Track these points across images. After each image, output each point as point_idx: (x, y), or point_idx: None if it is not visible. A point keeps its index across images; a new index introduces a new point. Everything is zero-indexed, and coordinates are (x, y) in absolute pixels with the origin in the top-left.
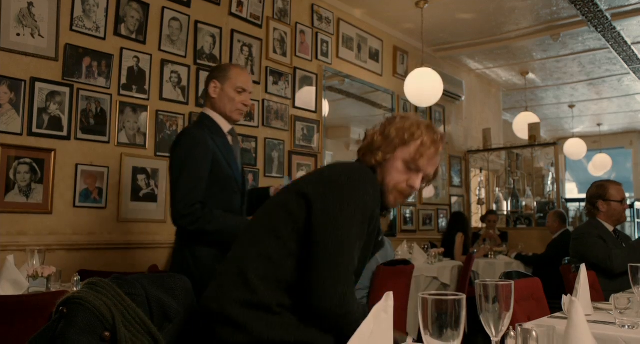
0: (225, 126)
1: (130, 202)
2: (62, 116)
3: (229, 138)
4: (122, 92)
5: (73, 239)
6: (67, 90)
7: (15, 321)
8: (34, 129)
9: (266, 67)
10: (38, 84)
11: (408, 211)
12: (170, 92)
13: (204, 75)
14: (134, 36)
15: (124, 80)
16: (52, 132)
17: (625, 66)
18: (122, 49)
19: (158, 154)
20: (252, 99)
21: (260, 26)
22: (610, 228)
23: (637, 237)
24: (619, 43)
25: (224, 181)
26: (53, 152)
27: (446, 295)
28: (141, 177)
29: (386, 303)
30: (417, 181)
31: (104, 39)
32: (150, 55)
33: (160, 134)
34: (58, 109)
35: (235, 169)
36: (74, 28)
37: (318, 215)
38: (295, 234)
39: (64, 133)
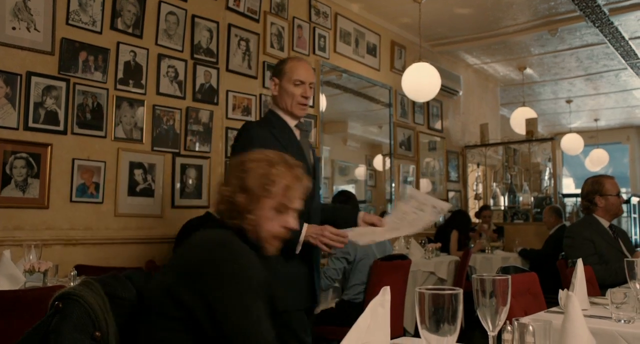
0: (291, 121)
1: (127, 197)
2: (59, 111)
3: (297, 133)
4: (118, 86)
5: (70, 234)
6: (63, 84)
7: (12, 315)
8: (30, 124)
9: (263, 62)
10: (34, 78)
11: None
12: (167, 86)
13: (201, 69)
14: (130, 30)
15: (120, 75)
16: (49, 126)
17: (623, 61)
18: (118, 43)
19: (155, 148)
20: (248, 94)
21: (257, 20)
22: (607, 224)
23: (633, 233)
24: (616, 38)
25: None
26: (49, 147)
27: (443, 290)
28: (138, 172)
29: (383, 298)
30: (291, 220)
31: (100, 33)
32: (147, 49)
33: (157, 129)
34: (54, 104)
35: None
36: (70, 22)
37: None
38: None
39: (60, 128)
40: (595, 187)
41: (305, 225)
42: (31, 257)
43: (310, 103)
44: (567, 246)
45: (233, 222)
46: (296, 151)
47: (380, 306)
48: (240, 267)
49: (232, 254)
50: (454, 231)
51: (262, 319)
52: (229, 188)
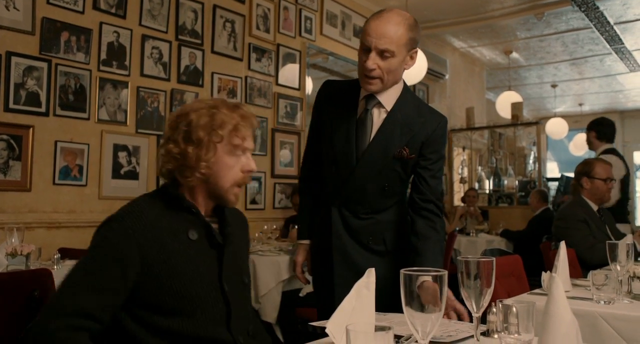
0: (363, 92)
1: (112, 179)
2: (40, 92)
3: (361, 108)
4: (102, 67)
5: (53, 217)
6: (44, 65)
7: None
8: (11, 105)
9: (249, 44)
10: (14, 59)
11: None
12: (151, 68)
13: (185, 51)
14: (113, 11)
15: (103, 56)
16: (30, 108)
17: (608, 46)
18: (101, 23)
19: (139, 131)
20: (234, 76)
21: (243, 2)
22: (595, 207)
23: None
24: (602, 23)
25: (324, 154)
26: (31, 129)
27: (428, 271)
28: (122, 155)
29: (368, 280)
30: (251, 162)
31: (82, 12)
32: (131, 30)
33: (141, 111)
34: (36, 85)
35: (345, 144)
36: (50, 1)
37: None
38: None
39: (42, 109)
40: (585, 169)
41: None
42: (13, 240)
43: (380, 75)
44: (560, 228)
45: (187, 180)
46: (344, 128)
47: (365, 288)
48: (101, 238)
49: (104, 225)
50: None
51: (82, 289)
52: (176, 144)
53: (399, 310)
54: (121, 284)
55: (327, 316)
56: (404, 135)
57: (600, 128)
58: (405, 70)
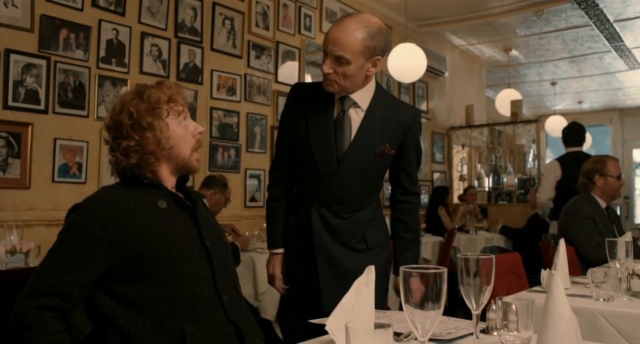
0: (340, 93)
1: (111, 177)
2: (39, 89)
3: (337, 109)
4: (101, 65)
5: (52, 215)
6: (43, 62)
7: None
8: (10, 103)
9: (248, 41)
10: (13, 56)
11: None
12: (150, 65)
13: (185, 48)
14: (112, 8)
15: (102, 53)
16: (29, 105)
17: (607, 44)
18: (100, 20)
19: None
20: (233, 73)
21: None
22: (604, 204)
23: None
24: (601, 20)
25: (300, 156)
26: (30, 126)
27: (428, 269)
28: None
29: (367, 277)
30: (197, 125)
31: (81, 10)
32: (130, 27)
33: None
34: (35, 82)
35: (325, 145)
36: None
37: None
38: None
39: (42, 107)
40: (597, 166)
41: (275, 256)
42: (12, 238)
43: (336, 79)
44: (566, 223)
45: (152, 167)
46: (322, 129)
47: (364, 285)
48: (67, 224)
49: (69, 213)
50: (440, 207)
51: (49, 271)
52: (129, 139)
53: (382, 306)
54: (89, 263)
55: (312, 317)
56: (383, 132)
57: (565, 132)
58: (372, 73)
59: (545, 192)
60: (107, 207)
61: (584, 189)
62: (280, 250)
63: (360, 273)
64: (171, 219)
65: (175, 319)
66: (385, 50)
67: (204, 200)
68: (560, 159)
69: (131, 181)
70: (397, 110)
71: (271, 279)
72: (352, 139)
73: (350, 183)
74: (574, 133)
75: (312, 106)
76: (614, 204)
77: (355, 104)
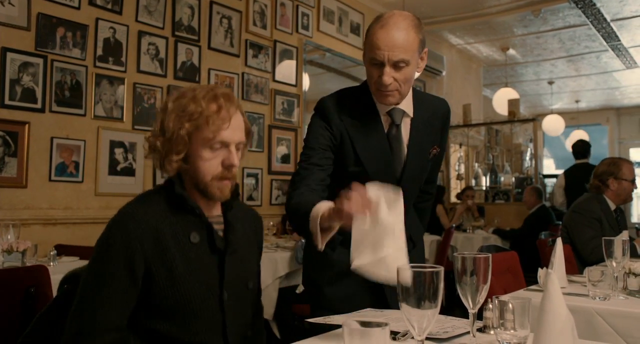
0: (382, 106)
1: (108, 176)
2: (36, 88)
3: (385, 122)
4: (98, 64)
5: (49, 214)
6: (40, 61)
7: None
8: (7, 101)
9: (246, 40)
10: (10, 55)
11: None
12: (147, 64)
13: (182, 47)
14: (109, 6)
15: (99, 52)
16: (26, 104)
17: (604, 43)
18: (97, 19)
19: (136, 127)
20: (231, 72)
21: None
22: (613, 206)
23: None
24: (598, 20)
25: (345, 177)
26: (27, 125)
27: (425, 267)
28: (119, 151)
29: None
30: (232, 156)
31: (78, 8)
32: (127, 26)
33: (137, 107)
34: (31, 81)
35: (382, 165)
36: None
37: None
38: None
39: (38, 105)
40: (611, 169)
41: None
42: (9, 236)
43: (397, 88)
44: (573, 221)
45: (166, 172)
46: (376, 151)
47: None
48: (106, 246)
49: (106, 231)
50: (438, 206)
51: (101, 304)
52: (153, 135)
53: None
54: (133, 290)
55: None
56: (430, 134)
57: (572, 147)
58: (421, 70)
59: (556, 199)
60: (146, 230)
61: (595, 190)
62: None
63: None
64: (198, 259)
65: None
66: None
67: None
68: (566, 171)
69: (174, 199)
70: (434, 106)
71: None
72: (406, 153)
73: (409, 196)
74: (578, 147)
75: (356, 123)
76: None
77: (405, 114)
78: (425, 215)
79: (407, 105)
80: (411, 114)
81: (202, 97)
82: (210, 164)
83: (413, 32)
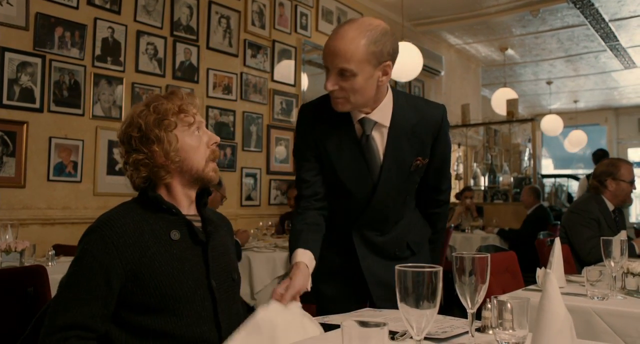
0: (355, 114)
1: (106, 176)
2: (34, 88)
3: (359, 130)
4: (96, 63)
5: (47, 214)
6: (38, 61)
7: None
8: (5, 101)
9: (244, 40)
10: (8, 54)
11: None
12: (146, 64)
13: (180, 47)
14: (108, 6)
15: (98, 52)
16: (24, 104)
17: (603, 43)
18: (95, 19)
19: None
20: (230, 72)
21: None
22: (612, 207)
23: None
24: (597, 20)
25: (331, 184)
26: (25, 125)
27: (423, 267)
28: (117, 151)
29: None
30: (212, 135)
31: (76, 8)
32: (126, 26)
33: None
34: (30, 80)
35: (356, 173)
36: None
37: None
38: None
39: (37, 105)
40: (609, 169)
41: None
42: (7, 236)
43: (344, 95)
44: (571, 221)
45: (163, 181)
46: (348, 158)
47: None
48: (82, 251)
49: (83, 237)
50: None
51: (71, 304)
52: (138, 152)
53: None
54: (107, 293)
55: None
56: (413, 145)
57: (593, 154)
58: (384, 83)
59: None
60: (122, 235)
61: (594, 191)
62: (304, 260)
63: None
64: (182, 254)
65: None
66: (394, 54)
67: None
68: (588, 175)
69: (149, 201)
70: (422, 115)
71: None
72: (381, 162)
73: (389, 204)
74: (598, 156)
75: (330, 131)
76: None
77: (377, 124)
78: (436, 221)
79: (380, 115)
80: (386, 124)
81: (164, 97)
82: (199, 149)
83: (363, 42)
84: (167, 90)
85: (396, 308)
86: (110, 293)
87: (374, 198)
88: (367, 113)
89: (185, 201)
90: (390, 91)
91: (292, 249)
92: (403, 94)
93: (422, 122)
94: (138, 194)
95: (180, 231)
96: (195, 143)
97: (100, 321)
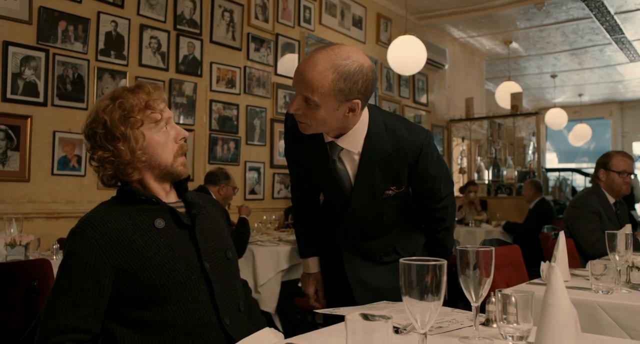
0: (326, 136)
1: None
2: (38, 82)
3: (330, 150)
4: (99, 57)
5: (52, 208)
6: (42, 55)
7: None
8: (9, 95)
9: (248, 34)
10: (11, 48)
11: None
12: (149, 58)
13: (184, 41)
14: (111, 0)
15: (101, 46)
16: (28, 98)
17: (608, 36)
18: (99, 13)
19: None
20: (233, 66)
21: None
22: (612, 200)
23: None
24: (602, 13)
25: (315, 185)
26: (29, 119)
27: (428, 260)
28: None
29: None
30: (180, 130)
31: (79, 2)
32: (129, 19)
33: None
34: (33, 74)
35: (329, 186)
36: None
37: None
38: None
39: (40, 99)
40: (603, 160)
41: (311, 264)
42: (12, 230)
43: (306, 121)
44: (572, 216)
45: (130, 177)
46: (322, 172)
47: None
48: (67, 254)
49: (67, 240)
50: None
51: (61, 308)
52: (104, 149)
53: None
54: (97, 294)
55: None
56: (386, 174)
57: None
58: (350, 118)
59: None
60: (106, 233)
61: (594, 184)
62: (314, 270)
63: (392, 285)
64: (169, 241)
65: None
66: (367, 93)
67: (213, 195)
68: None
69: (128, 196)
70: (400, 145)
71: (306, 298)
72: (352, 183)
73: (364, 220)
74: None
75: (306, 144)
76: (637, 198)
77: (344, 150)
78: (439, 245)
79: (348, 142)
80: (355, 150)
81: (129, 91)
82: (167, 145)
83: (332, 77)
84: (171, 84)
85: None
86: (100, 293)
87: (347, 213)
88: (336, 137)
89: (162, 192)
90: (367, 117)
91: (302, 252)
92: (384, 120)
93: (398, 152)
94: (116, 192)
95: (165, 219)
96: (162, 139)
97: (94, 321)
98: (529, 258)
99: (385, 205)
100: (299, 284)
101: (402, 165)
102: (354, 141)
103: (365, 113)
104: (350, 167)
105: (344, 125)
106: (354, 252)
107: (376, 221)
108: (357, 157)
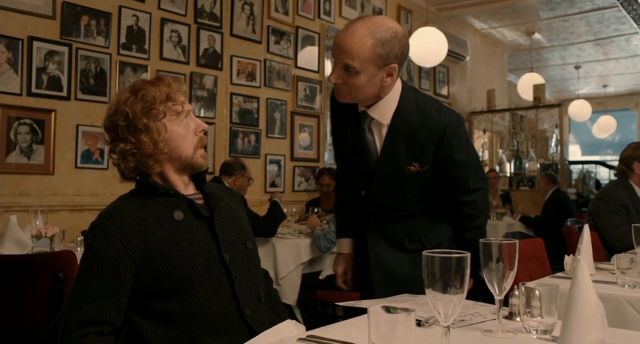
0: (360, 106)
1: None
2: (62, 76)
3: (363, 122)
4: (121, 51)
5: (76, 200)
6: (65, 49)
7: (20, 280)
8: (34, 90)
9: (268, 26)
10: (36, 43)
11: None
12: (170, 51)
13: (204, 34)
14: None
15: (123, 40)
16: (52, 92)
17: (635, 25)
18: (120, 7)
19: None
20: (253, 59)
21: None
22: None
23: None
24: (629, 1)
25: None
26: (53, 113)
27: (451, 253)
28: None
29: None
30: (199, 122)
31: None
32: (150, 13)
33: None
34: (57, 69)
35: (359, 158)
36: None
37: None
38: None
39: (64, 93)
40: (636, 153)
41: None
42: (37, 222)
43: (346, 90)
44: (599, 208)
45: (152, 170)
46: (354, 143)
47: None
48: (87, 248)
49: (88, 234)
50: None
51: (83, 301)
52: (125, 142)
53: None
54: (118, 286)
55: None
56: (410, 149)
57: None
58: (387, 84)
59: None
60: (125, 226)
61: (621, 175)
62: (344, 250)
63: (412, 273)
64: (188, 233)
65: (194, 337)
66: (402, 58)
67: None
68: None
69: (146, 189)
70: (426, 121)
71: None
72: (379, 155)
73: (388, 197)
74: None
75: (344, 118)
76: None
77: (374, 120)
78: (470, 247)
79: (380, 112)
80: (384, 122)
81: (150, 83)
82: (187, 137)
83: (371, 43)
84: (192, 77)
85: (391, 291)
86: (121, 286)
87: (372, 186)
88: (368, 107)
89: (181, 184)
90: (400, 89)
91: (338, 232)
92: (416, 96)
93: (423, 128)
94: (134, 186)
95: (183, 211)
96: (183, 131)
97: (115, 314)
98: (551, 251)
99: (408, 182)
100: (320, 277)
101: (425, 141)
102: (383, 112)
103: (398, 88)
104: (378, 139)
105: (379, 92)
106: (380, 234)
107: (401, 199)
108: (385, 131)
